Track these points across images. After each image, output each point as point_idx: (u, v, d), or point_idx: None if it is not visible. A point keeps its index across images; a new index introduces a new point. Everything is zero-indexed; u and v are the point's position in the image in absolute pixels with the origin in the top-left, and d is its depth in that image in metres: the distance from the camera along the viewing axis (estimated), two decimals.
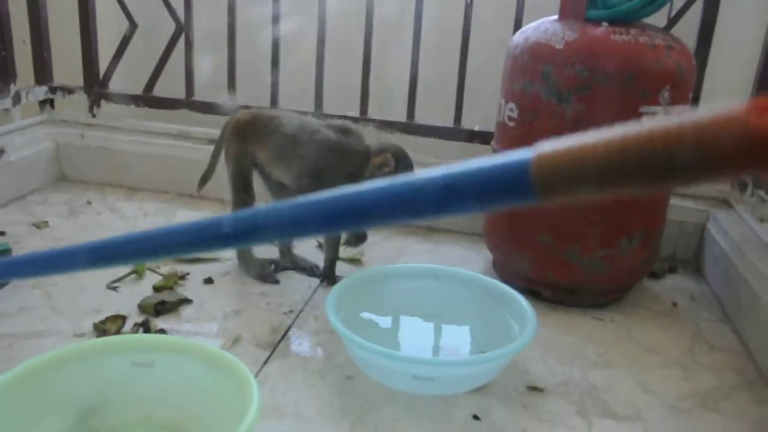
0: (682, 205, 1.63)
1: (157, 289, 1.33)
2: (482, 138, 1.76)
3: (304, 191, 1.31)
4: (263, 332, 1.23)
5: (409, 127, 1.79)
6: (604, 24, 1.28)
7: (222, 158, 1.44)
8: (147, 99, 1.92)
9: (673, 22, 1.62)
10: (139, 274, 1.39)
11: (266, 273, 1.43)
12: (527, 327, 1.09)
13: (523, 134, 1.33)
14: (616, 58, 1.22)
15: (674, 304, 1.45)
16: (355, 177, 1.32)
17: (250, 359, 1.13)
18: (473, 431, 1.00)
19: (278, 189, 1.45)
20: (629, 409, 1.08)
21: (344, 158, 1.32)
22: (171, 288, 1.34)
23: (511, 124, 1.35)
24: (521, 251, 1.38)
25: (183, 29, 1.84)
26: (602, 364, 1.20)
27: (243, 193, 1.41)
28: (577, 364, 1.20)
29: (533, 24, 1.35)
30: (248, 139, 1.38)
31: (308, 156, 1.32)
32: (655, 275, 1.57)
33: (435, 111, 1.84)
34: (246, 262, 1.45)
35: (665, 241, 1.52)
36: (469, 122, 1.79)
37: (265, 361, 1.14)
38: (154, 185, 1.87)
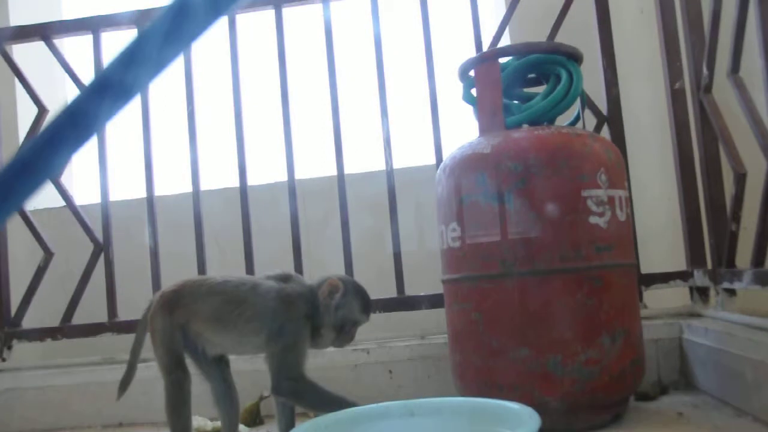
0: (653, 324, 1.54)
1: None
2: (429, 302, 1.67)
3: (272, 351, 1.18)
4: None
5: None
6: (525, 126, 1.30)
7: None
8: (66, 330, 1.75)
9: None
10: None
11: None
12: (528, 421, 0.92)
13: (470, 250, 1.26)
14: (545, 147, 1.22)
15: (680, 414, 1.29)
16: (313, 318, 1.20)
17: None
18: None
19: (215, 367, 1.28)
20: None
21: (297, 303, 1.20)
22: None
23: (456, 244, 1.29)
24: (498, 378, 1.23)
25: (102, 248, 1.76)
26: None
27: (177, 371, 1.23)
28: None
29: (454, 148, 1.36)
30: (178, 310, 1.24)
31: (259, 313, 1.19)
32: (647, 397, 1.42)
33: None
34: None
35: (647, 365, 1.40)
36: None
37: None
38: (75, 421, 1.63)
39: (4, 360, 1.75)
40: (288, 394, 1.17)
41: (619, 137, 1.64)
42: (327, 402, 1.14)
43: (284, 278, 1.26)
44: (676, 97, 1.65)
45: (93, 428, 1.63)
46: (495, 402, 1.05)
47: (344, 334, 1.22)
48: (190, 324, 1.23)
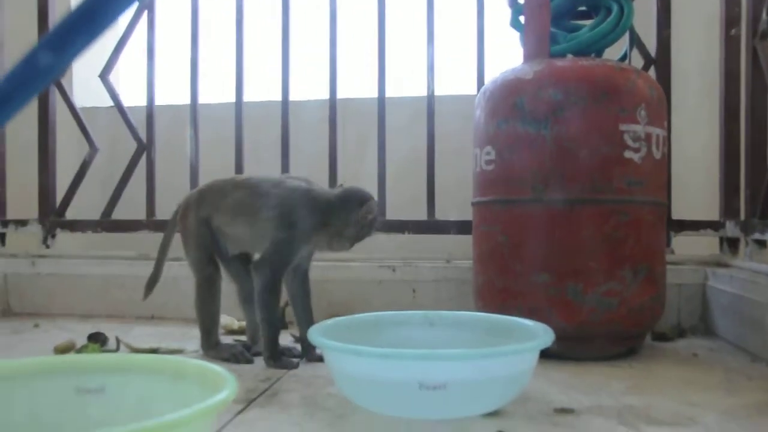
0: (678, 269, 1.55)
1: None
2: (458, 227, 1.69)
3: (278, 245, 1.20)
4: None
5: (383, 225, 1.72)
6: (569, 56, 1.29)
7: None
8: (105, 224, 1.82)
9: None
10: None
11: (239, 352, 1.26)
12: (543, 335, 0.95)
13: (503, 174, 1.28)
14: (587, 78, 1.22)
15: (695, 355, 1.31)
16: (326, 226, 1.21)
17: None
18: None
19: (243, 268, 1.32)
20: (680, 418, 0.90)
21: (316, 207, 1.21)
22: None
23: (490, 167, 1.30)
24: (519, 301, 1.26)
25: (145, 148, 1.81)
26: (633, 393, 1.04)
27: (209, 267, 1.29)
28: (605, 393, 1.03)
29: (498, 73, 1.36)
30: (204, 204, 1.28)
31: (280, 205, 1.20)
32: (665, 337, 1.44)
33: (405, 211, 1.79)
34: (213, 349, 1.28)
35: (668, 309, 1.42)
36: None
37: (240, 411, 0.95)
38: (110, 310, 1.72)
39: (48, 247, 1.83)
40: (259, 279, 1.20)
41: (665, 80, 1.62)
42: (273, 306, 1.21)
43: (306, 182, 1.27)
44: (730, 44, 1.61)
45: (126, 318, 1.71)
46: (512, 318, 1.08)
47: (355, 242, 1.25)
48: (212, 218, 1.27)
